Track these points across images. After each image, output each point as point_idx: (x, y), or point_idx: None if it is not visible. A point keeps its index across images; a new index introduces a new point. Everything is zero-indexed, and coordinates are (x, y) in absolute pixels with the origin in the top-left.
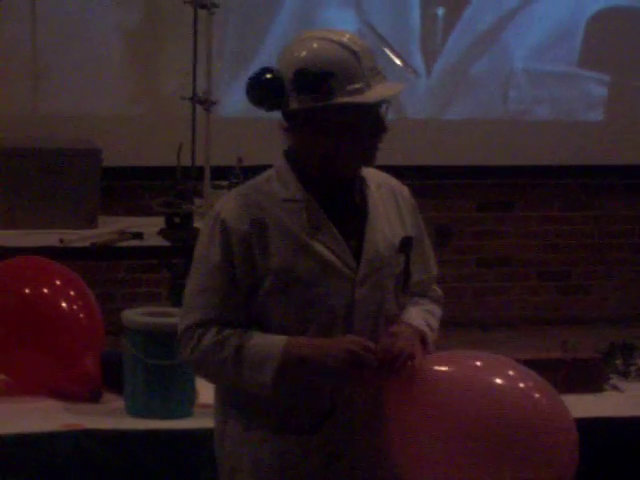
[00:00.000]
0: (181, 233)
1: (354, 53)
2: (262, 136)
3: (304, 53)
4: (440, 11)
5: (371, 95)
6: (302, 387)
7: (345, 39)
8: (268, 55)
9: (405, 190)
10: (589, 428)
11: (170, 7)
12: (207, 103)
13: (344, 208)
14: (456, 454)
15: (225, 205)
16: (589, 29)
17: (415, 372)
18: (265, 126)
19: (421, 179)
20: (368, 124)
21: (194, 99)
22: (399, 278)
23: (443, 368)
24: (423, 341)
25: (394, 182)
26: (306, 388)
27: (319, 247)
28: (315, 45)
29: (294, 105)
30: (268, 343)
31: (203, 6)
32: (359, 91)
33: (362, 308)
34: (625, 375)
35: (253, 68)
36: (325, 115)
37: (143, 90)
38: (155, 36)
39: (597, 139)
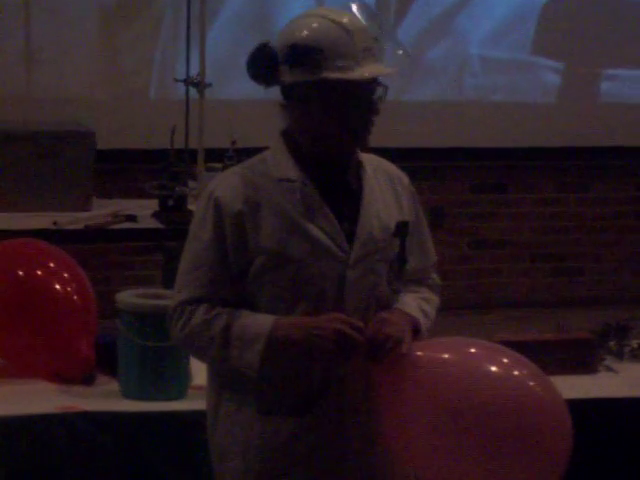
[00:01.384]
0: (175, 215)
1: (347, 31)
2: (256, 118)
3: (298, 29)
4: None
5: (357, 73)
6: (290, 367)
7: (342, 18)
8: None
9: (405, 177)
10: (583, 409)
11: None
12: (201, 85)
13: (339, 190)
14: (448, 440)
15: (219, 184)
16: (543, 16)
17: (403, 358)
18: (259, 108)
19: (415, 161)
20: (356, 103)
21: (187, 81)
22: (393, 262)
23: (435, 354)
24: (416, 328)
25: (393, 168)
26: (294, 369)
27: (311, 227)
28: (310, 22)
29: (286, 79)
30: (256, 323)
31: None
32: (347, 68)
33: (353, 290)
34: (619, 356)
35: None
36: (314, 91)
37: (136, 73)
38: (149, 18)
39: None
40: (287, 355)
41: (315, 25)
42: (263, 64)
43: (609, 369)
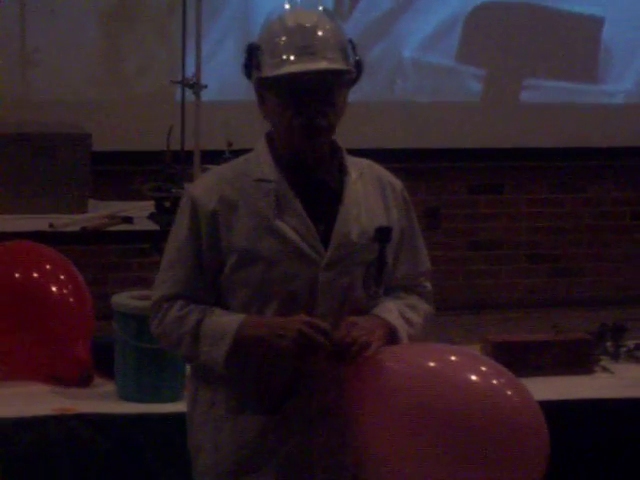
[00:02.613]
0: (171, 217)
1: (285, 28)
2: (252, 120)
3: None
4: None
5: (280, 70)
6: (256, 366)
7: (289, 14)
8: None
9: (397, 184)
10: (579, 410)
11: None
12: (196, 87)
13: (318, 192)
14: (422, 447)
15: (197, 183)
16: (468, 23)
17: (375, 362)
18: (255, 110)
19: (411, 162)
20: (288, 101)
21: (183, 83)
22: (370, 267)
23: (411, 359)
24: (393, 334)
25: (386, 174)
26: (261, 367)
27: (284, 227)
28: (266, 20)
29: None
30: (225, 320)
31: None
32: (275, 66)
33: (326, 293)
34: (615, 357)
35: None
36: (264, 88)
37: (132, 74)
38: (145, 20)
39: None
40: (252, 353)
41: (266, 24)
42: (244, 66)
43: (605, 370)
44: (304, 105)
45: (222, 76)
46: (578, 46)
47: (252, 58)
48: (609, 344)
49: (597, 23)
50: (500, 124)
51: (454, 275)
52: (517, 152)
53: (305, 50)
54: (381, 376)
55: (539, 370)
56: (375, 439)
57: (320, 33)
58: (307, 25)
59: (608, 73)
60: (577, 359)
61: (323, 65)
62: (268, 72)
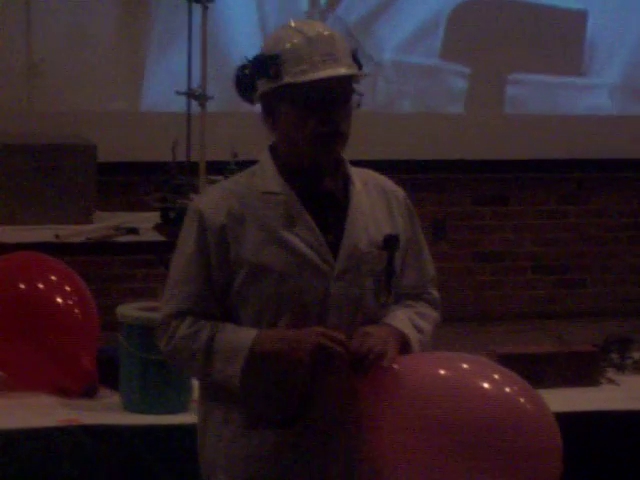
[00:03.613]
0: (176, 228)
1: (306, 37)
2: (257, 131)
3: (266, 39)
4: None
5: (311, 76)
6: (272, 381)
7: (304, 26)
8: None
9: (401, 193)
10: (585, 421)
11: (165, 2)
12: (202, 98)
13: (324, 202)
14: (435, 456)
15: (204, 197)
16: (450, 21)
17: (388, 372)
18: (260, 121)
19: (416, 174)
20: (315, 108)
21: (189, 94)
22: (380, 276)
23: (424, 369)
24: (405, 343)
25: (389, 184)
26: (277, 382)
27: (294, 239)
28: (276, 31)
29: (257, 91)
30: (239, 336)
31: (198, 1)
32: (303, 72)
33: (337, 303)
34: (621, 368)
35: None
36: (277, 98)
37: (138, 86)
38: (150, 31)
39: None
40: (268, 368)
41: (279, 34)
42: (240, 81)
43: (611, 381)
44: (330, 112)
45: (228, 87)
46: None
47: (264, 68)
48: (615, 356)
49: (581, 17)
50: (506, 136)
51: (459, 286)
52: (523, 164)
53: (329, 57)
54: (396, 386)
55: (544, 382)
56: (391, 449)
57: (337, 41)
58: (325, 33)
59: (593, 66)
60: (583, 371)
61: (351, 71)
62: (295, 78)
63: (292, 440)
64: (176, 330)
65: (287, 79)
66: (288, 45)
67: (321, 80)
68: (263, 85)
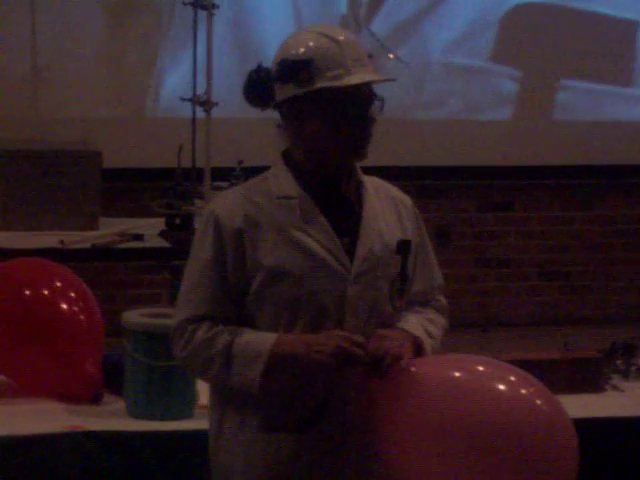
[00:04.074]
0: (181, 234)
1: (336, 41)
2: (263, 137)
3: (289, 45)
4: None
5: (349, 80)
6: (292, 385)
7: (332, 31)
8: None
9: (408, 200)
10: (590, 428)
11: (170, 8)
12: (207, 104)
13: (339, 206)
14: (452, 459)
15: (219, 202)
16: (503, 24)
17: (405, 375)
18: (266, 127)
19: (421, 180)
20: (349, 112)
21: (194, 100)
22: (394, 280)
23: (440, 371)
24: (419, 347)
25: (396, 191)
26: (296, 386)
27: (310, 243)
28: (300, 37)
29: (280, 96)
30: (258, 340)
31: (203, 7)
32: (338, 77)
33: (354, 306)
34: (626, 375)
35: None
36: (308, 104)
37: (143, 92)
38: (156, 37)
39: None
40: (288, 373)
41: (305, 39)
42: (256, 86)
43: (616, 388)
44: (363, 116)
45: (233, 93)
46: (613, 49)
47: (292, 73)
48: (620, 362)
49: (632, 27)
50: (511, 143)
51: (464, 293)
52: (527, 170)
53: (359, 62)
54: (412, 389)
55: (549, 388)
56: (406, 452)
57: (361, 46)
58: (352, 38)
59: None
60: (587, 377)
61: (380, 76)
62: (332, 83)
63: (310, 444)
64: (193, 335)
65: (321, 83)
66: (320, 50)
67: (356, 85)
68: (287, 90)
